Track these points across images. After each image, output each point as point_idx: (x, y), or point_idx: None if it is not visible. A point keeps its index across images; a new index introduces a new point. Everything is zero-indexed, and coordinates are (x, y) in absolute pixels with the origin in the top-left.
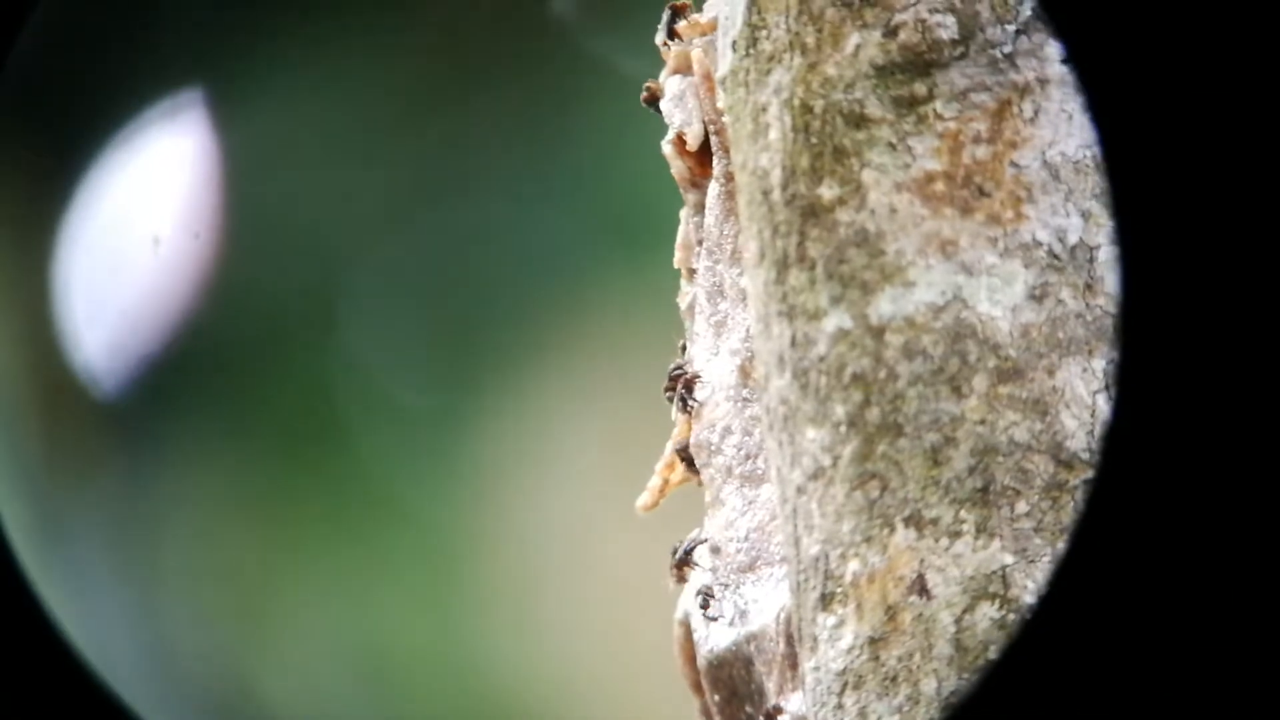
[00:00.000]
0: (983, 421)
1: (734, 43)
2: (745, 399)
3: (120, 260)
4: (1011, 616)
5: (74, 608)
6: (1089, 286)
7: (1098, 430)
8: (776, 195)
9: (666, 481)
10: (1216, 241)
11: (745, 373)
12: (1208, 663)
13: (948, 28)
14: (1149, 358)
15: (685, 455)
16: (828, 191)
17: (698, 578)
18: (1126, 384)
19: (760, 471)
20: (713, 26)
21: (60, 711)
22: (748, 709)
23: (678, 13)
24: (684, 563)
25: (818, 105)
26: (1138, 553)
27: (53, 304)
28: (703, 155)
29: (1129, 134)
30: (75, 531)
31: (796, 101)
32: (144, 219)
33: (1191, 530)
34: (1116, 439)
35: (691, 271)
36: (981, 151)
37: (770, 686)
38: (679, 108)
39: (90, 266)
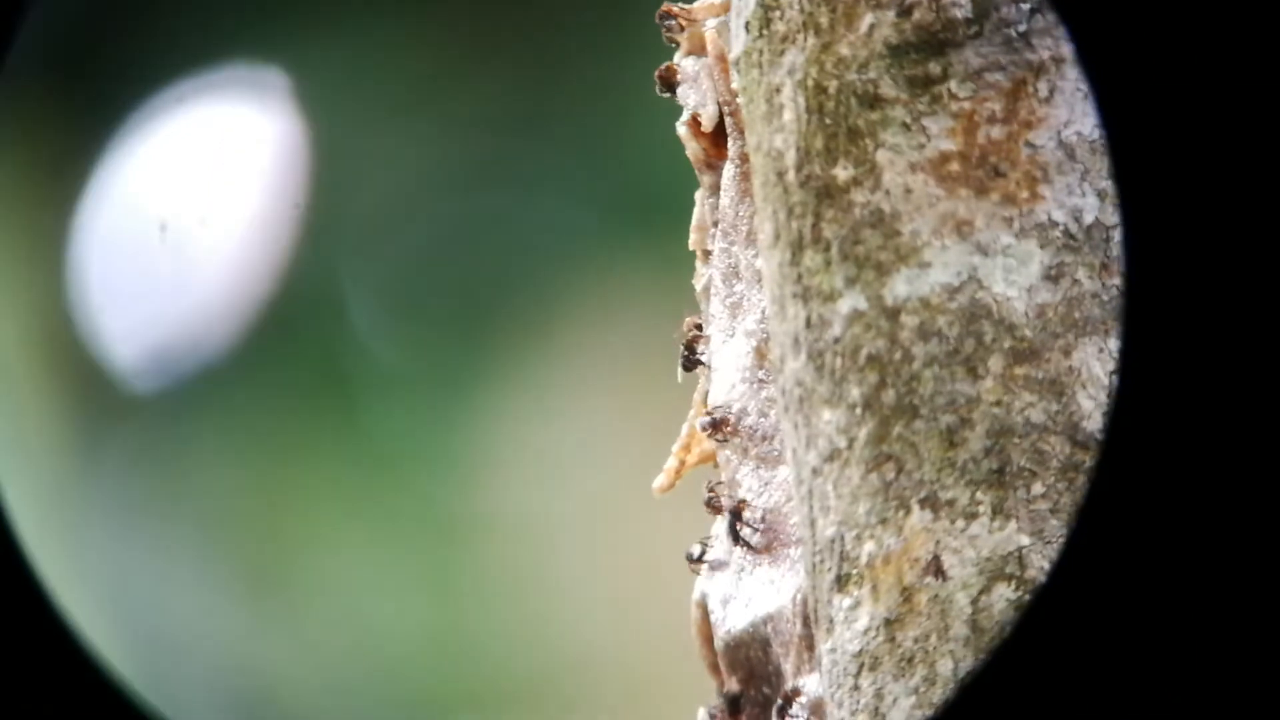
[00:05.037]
0: (998, 403)
1: (747, 24)
2: (761, 380)
3: (129, 244)
4: (1028, 598)
5: (80, 589)
6: (1105, 266)
7: (1113, 410)
8: (791, 176)
9: (683, 463)
10: (1224, 224)
11: (761, 354)
12: (1215, 649)
13: (962, 6)
14: (1156, 339)
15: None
16: (842, 172)
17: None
18: (1133, 366)
19: (776, 453)
20: (726, 7)
21: (65, 699)
22: (765, 690)
23: (668, 16)
24: (714, 501)
25: (832, 86)
26: (1145, 534)
27: (63, 286)
28: (717, 137)
29: (1133, 116)
30: (82, 513)
31: (810, 82)
32: (154, 203)
33: (1198, 513)
34: (1124, 420)
35: (707, 253)
36: (996, 131)
37: (787, 668)
38: (693, 89)
39: (101, 250)
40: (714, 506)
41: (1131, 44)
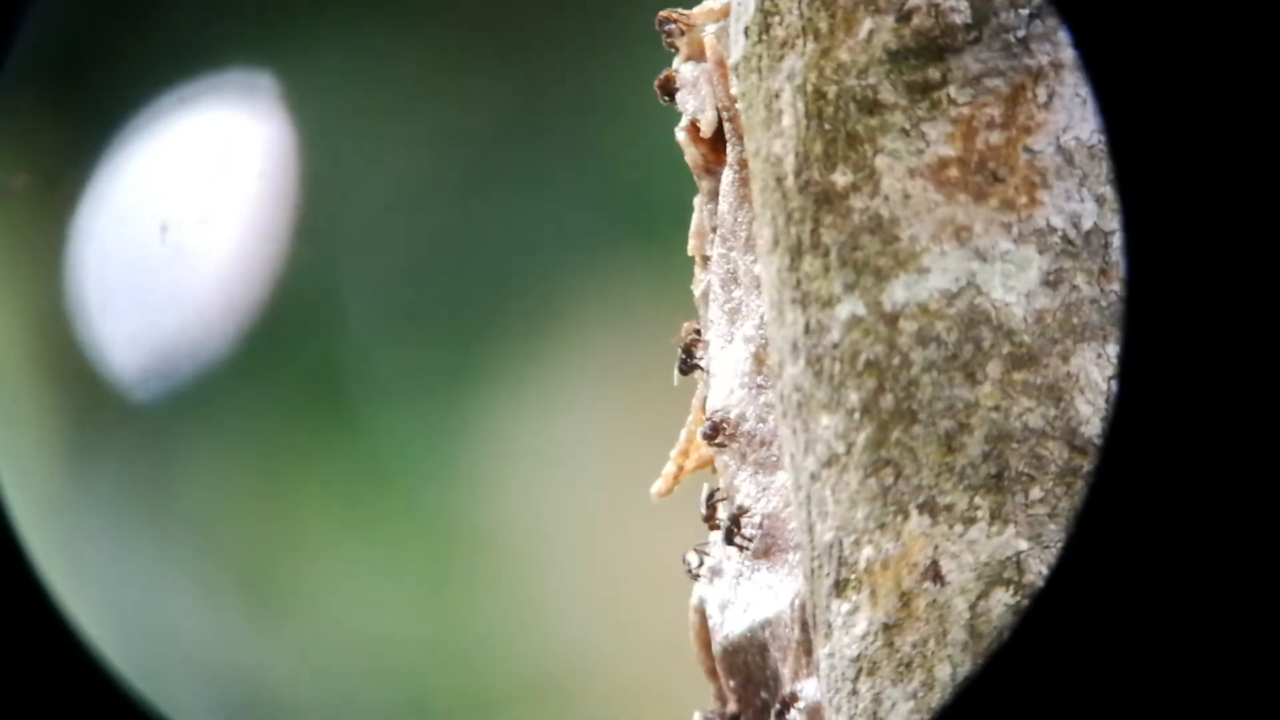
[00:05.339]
0: (997, 408)
1: (746, 29)
2: (759, 386)
3: (129, 247)
4: (1026, 603)
5: (79, 592)
6: (1103, 272)
7: (1112, 416)
8: (790, 182)
9: (681, 468)
10: (1225, 229)
11: (759, 360)
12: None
13: (961, 12)
14: (1156, 345)
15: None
16: (841, 178)
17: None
18: (1132, 370)
19: (774, 458)
20: (725, 13)
21: (67, 698)
22: (763, 695)
23: (667, 21)
24: (711, 516)
25: (831, 91)
26: (1143, 539)
27: (62, 289)
28: (716, 142)
29: (1136, 120)
30: (81, 516)
31: (809, 87)
32: (153, 206)
33: (1197, 517)
34: (1127, 424)
35: (705, 259)
36: (995, 137)
37: (785, 672)
38: (692, 95)
39: (101, 253)
40: (712, 523)
41: (1134, 48)
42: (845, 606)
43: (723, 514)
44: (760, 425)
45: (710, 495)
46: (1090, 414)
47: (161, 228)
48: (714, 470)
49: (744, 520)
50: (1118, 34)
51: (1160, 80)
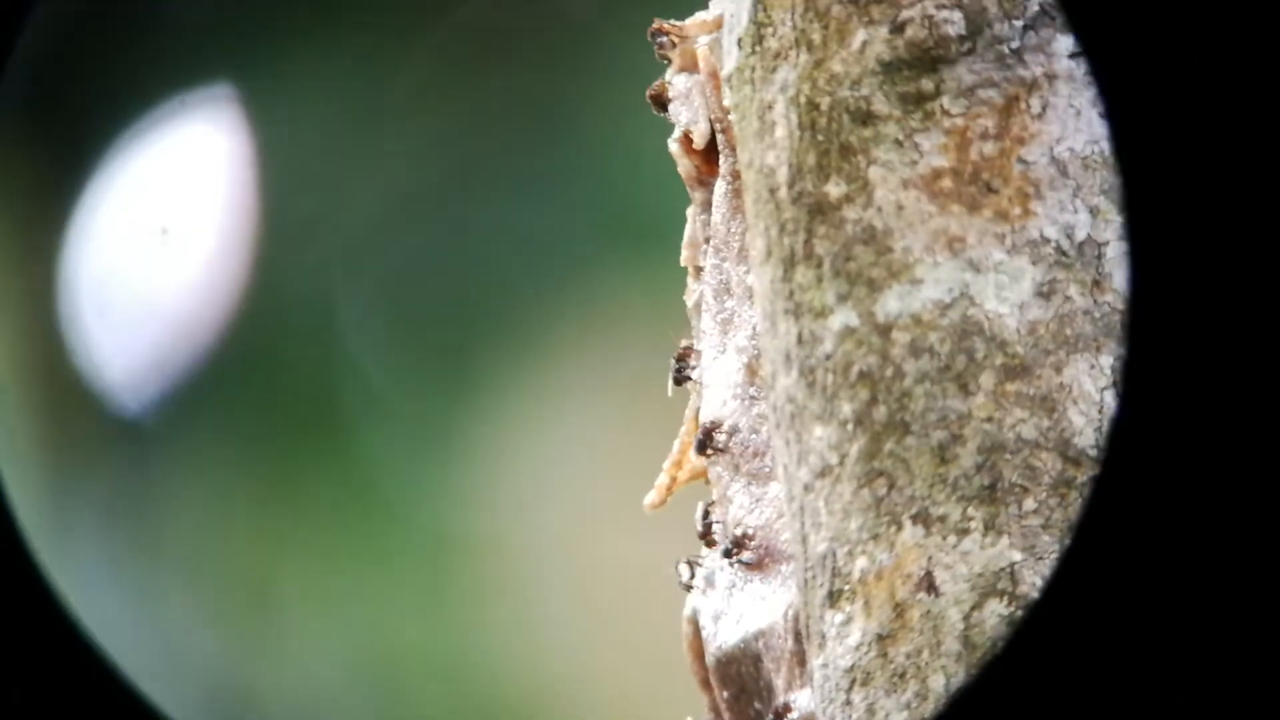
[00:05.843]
0: (990, 419)
1: (739, 40)
2: (752, 397)
3: (126, 254)
4: (1020, 613)
5: (76, 602)
6: (1097, 283)
7: (1105, 427)
8: (783, 193)
9: (674, 479)
10: (1228, 238)
11: (752, 370)
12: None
13: (955, 24)
14: (1156, 355)
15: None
16: (834, 189)
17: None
18: (1133, 381)
19: (767, 469)
20: (718, 24)
21: (72, 699)
22: (756, 705)
23: (660, 33)
24: (707, 533)
25: (824, 102)
26: (1138, 550)
27: (59, 298)
28: (709, 153)
29: (1141, 128)
30: (78, 527)
31: (803, 99)
32: (152, 211)
33: (1192, 527)
34: (1123, 436)
35: (698, 269)
36: (989, 148)
37: (779, 683)
38: (685, 106)
39: (97, 260)
40: (709, 539)
41: (1138, 56)
42: (839, 617)
43: (719, 534)
44: (753, 436)
45: (706, 513)
46: (1083, 425)
47: (162, 230)
48: (707, 481)
49: (746, 544)
50: (1122, 42)
51: (1165, 89)
